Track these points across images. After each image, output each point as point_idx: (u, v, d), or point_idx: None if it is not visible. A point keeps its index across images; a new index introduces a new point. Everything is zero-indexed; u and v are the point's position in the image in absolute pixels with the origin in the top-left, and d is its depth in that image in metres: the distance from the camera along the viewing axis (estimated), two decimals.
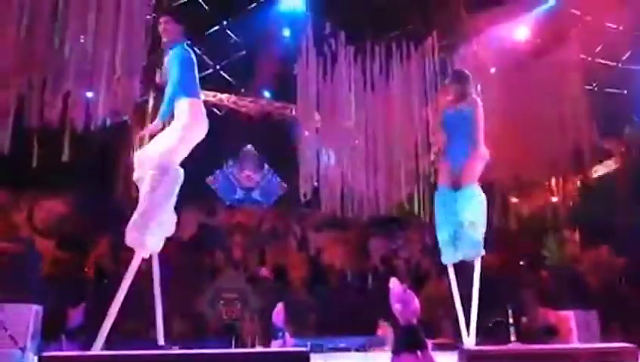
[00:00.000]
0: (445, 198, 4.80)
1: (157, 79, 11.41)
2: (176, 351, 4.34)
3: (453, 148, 4.85)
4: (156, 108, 11.31)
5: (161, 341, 3.94)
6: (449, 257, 4.67)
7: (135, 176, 4.33)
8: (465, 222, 4.57)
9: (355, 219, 12.27)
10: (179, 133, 4.26)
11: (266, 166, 13.91)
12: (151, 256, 4.27)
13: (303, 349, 3.61)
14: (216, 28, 12.47)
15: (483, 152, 4.87)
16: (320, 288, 11.57)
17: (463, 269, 4.77)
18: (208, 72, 12.83)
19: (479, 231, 4.59)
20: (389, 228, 13.08)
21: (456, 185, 4.78)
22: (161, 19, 4.60)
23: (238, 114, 12.99)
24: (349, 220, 12.37)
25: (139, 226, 4.01)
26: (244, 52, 12.87)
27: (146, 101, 11.34)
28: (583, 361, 3.91)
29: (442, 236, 4.72)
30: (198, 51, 12.31)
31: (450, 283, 4.63)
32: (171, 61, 4.42)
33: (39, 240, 10.23)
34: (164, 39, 4.55)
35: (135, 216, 4.05)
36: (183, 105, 4.34)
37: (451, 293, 4.54)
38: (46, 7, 9.12)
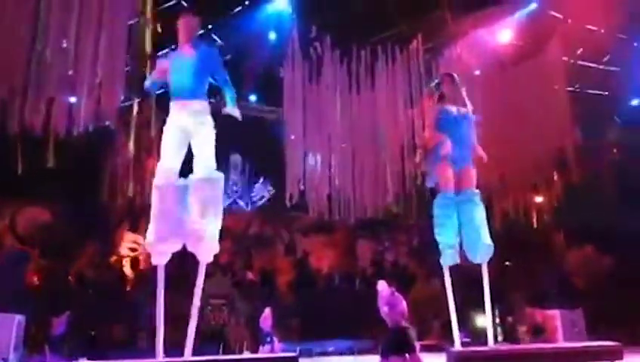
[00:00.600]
0: (448, 201, 4.76)
1: (146, 84, 11.36)
2: (164, 359, 4.27)
3: (455, 151, 4.77)
4: (140, 113, 11.28)
5: (160, 354, 3.79)
6: (449, 260, 4.63)
7: (181, 182, 4.23)
8: (475, 226, 4.58)
9: (342, 222, 12.27)
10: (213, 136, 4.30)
11: (249, 172, 13.82)
12: (153, 266, 4.16)
13: (292, 354, 3.59)
14: (201, 32, 12.41)
15: (482, 155, 4.89)
16: (307, 292, 11.54)
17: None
18: None
19: (487, 234, 4.60)
20: (375, 231, 13.10)
21: (457, 189, 4.77)
22: (184, 18, 4.44)
23: (223, 117, 12.90)
24: (336, 223, 12.37)
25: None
26: (229, 56, 12.81)
27: (130, 106, 11.22)
28: (569, 360, 3.93)
29: (445, 239, 4.67)
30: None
31: (443, 285, 4.61)
32: (213, 58, 4.38)
33: (22, 249, 10.06)
34: (190, 35, 4.40)
35: (203, 225, 3.96)
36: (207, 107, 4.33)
37: (444, 295, 4.53)
38: (27, 12, 9.01)
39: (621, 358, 4.13)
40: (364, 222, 12.52)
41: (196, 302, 3.95)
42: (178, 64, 4.29)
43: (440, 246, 4.72)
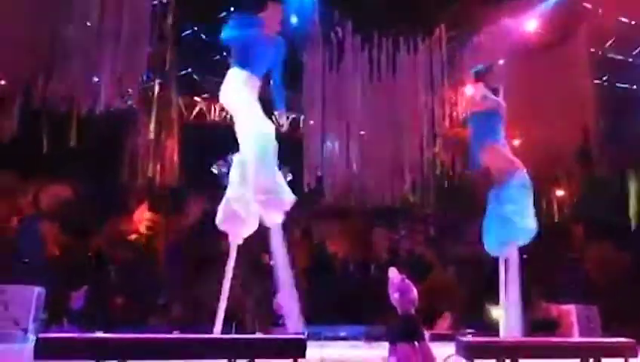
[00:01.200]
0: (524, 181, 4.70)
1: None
2: (175, 335, 4.35)
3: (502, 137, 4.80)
4: (161, 94, 11.39)
5: (218, 330, 3.85)
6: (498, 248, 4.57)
7: None
8: (522, 211, 4.56)
9: (359, 209, 12.26)
10: None
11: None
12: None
13: (300, 336, 3.61)
14: (223, 14, 12.40)
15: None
16: (322, 277, 11.59)
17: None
18: (216, 57, 12.80)
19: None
20: (392, 219, 13.06)
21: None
22: (277, 6, 4.41)
23: None
24: (353, 210, 12.36)
25: None
26: None
27: (152, 87, 11.32)
28: (583, 355, 3.89)
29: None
30: (204, 37, 12.44)
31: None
32: (280, 52, 4.36)
33: (44, 223, 10.29)
34: (277, 29, 4.38)
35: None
36: None
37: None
38: None
39: (635, 355, 4.08)
40: (380, 209, 12.50)
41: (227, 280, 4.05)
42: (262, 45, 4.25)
43: (491, 236, 4.62)
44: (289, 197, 3.98)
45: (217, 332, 3.83)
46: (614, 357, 4.01)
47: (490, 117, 4.79)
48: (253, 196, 3.88)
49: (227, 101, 4.24)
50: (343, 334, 8.94)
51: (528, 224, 4.54)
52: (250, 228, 4.06)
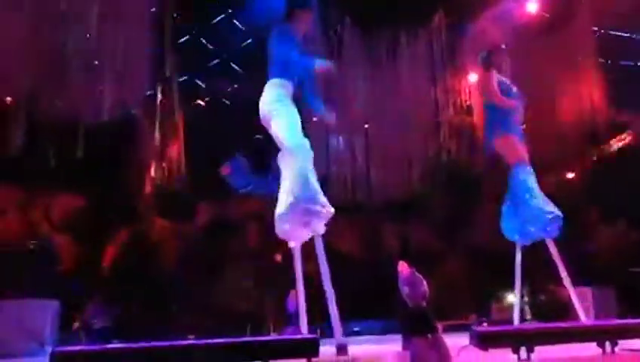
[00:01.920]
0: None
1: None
2: (189, 340, 4.38)
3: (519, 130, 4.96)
4: (163, 101, 11.44)
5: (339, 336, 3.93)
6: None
7: None
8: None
9: (366, 203, 12.23)
10: None
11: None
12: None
13: (313, 336, 3.61)
14: (222, 16, 12.41)
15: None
16: (333, 273, 11.57)
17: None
18: (215, 61, 12.85)
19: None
20: (399, 211, 13.00)
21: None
22: (310, 13, 4.64)
23: (245, 102, 12.94)
24: (360, 204, 12.33)
25: None
26: (250, 40, 12.79)
27: (154, 94, 11.37)
28: (599, 338, 3.86)
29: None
30: (203, 41, 12.47)
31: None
32: (312, 61, 4.51)
33: (57, 236, 10.38)
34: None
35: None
36: None
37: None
38: (51, 4, 9.18)
39: None
40: (387, 202, 12.46)
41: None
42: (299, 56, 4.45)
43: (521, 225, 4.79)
44: (329, 208, 4.16)
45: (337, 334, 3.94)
46: (631, 338, 3.98)
47: (507, 110, 4.88)
48: (299, 207, 4.06)
49: (269, 109, 4.34)
50: (356, 329, 8.97)
51: (548, 210, 4.57)
52: (305, 235, 4.35)
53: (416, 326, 3.70)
